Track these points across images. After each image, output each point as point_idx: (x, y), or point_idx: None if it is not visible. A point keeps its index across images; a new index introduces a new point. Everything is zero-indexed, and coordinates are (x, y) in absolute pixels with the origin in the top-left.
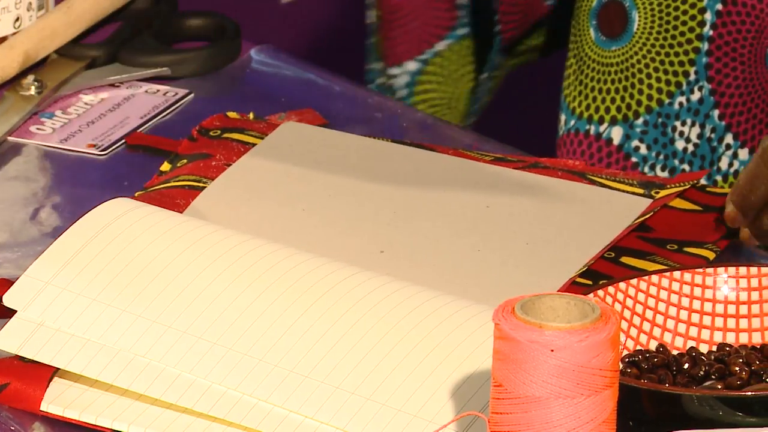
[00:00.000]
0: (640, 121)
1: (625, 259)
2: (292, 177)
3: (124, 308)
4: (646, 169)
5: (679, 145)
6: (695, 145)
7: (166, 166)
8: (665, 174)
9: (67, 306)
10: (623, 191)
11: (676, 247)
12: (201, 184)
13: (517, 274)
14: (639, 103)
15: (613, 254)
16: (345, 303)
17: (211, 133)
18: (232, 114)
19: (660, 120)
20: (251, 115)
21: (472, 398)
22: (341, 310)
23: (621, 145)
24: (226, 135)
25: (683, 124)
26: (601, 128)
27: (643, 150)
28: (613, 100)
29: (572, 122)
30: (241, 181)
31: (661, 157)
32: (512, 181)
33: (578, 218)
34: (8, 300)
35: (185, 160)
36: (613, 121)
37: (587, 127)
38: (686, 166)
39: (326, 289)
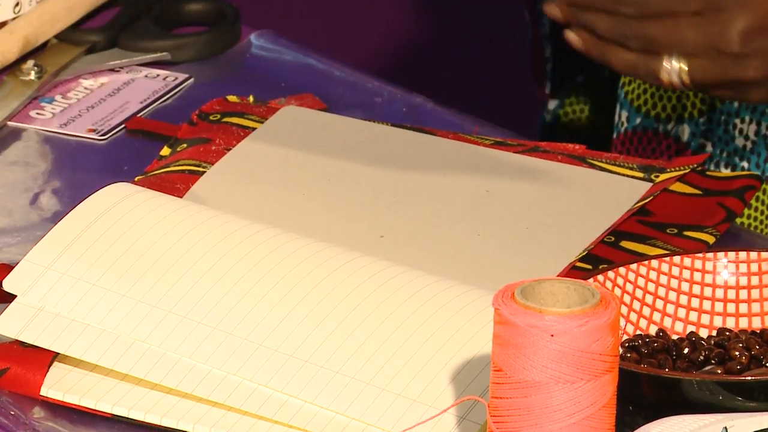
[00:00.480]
0: (704, 119)
1: (624, 244)
2: (291, 161)
3: (124, 293)
4: (712, 167)
5: (739, 142)
6: (753, 142)
7: (165, 151)
8: (728, 170)
9: (67, 291)
10: (623, 175)
11: (676, 231)
12: (201, 169)
13: (517, 258)
14: (703, 101)
15: (613, 238)
16: (345, 288)
17: (211, 118)
18: (231, 98)
19: (722, 117)
20: (251, 99)
21: (472, 383)
22: (341, 295)
23: (688, 142)
24: (225, 119)
25: (742, 121)
26: (669, 126)
27: (709, 147)
28: (678, 98)
29: (638, 120)
30: (241, 165)
31: (725, 154)
32: (512, 166)
33: (578, 203)
34: (8, 285)
35: (185, 145)
36: (680, 120)
37: (655, 125)
38: (745, 164)
39: (326, 274)
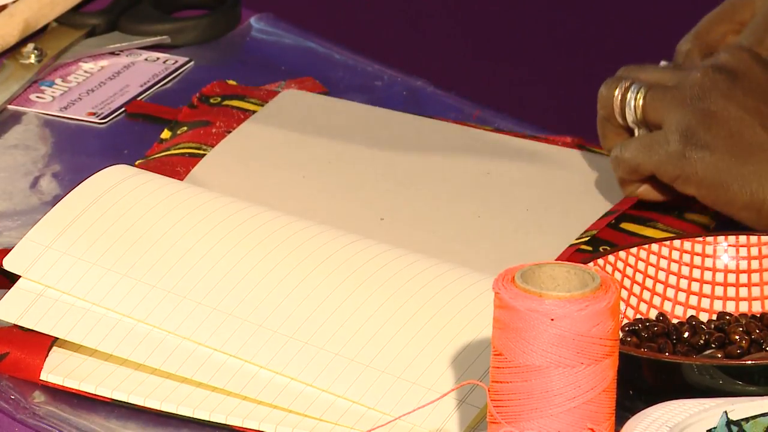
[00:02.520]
0: None
1: (625, 225)
2: (292, 144)
3: (124, 273)
4: None
5: None
6: None
7: (166, 134)
8: None
9: (68, 270)
10: None
11: (676, 213)
12: (201, 151)
13: (518, 240)
14: None
15: (613, 221)
16: (345, 270)
17: (212, 101)
18: (231, 82)
19: None
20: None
21: (471, 366)
22: (341, 277)
23: None
24: (226, 102)
25: None
26: None
27: None
28: None
29: None
30: (241, 148)
31: None
32: (512, 148)
33: (579, 185)
34: (9, 264)
35: (185, 128)
36: None
37: None
38: None
39: (326, 256)
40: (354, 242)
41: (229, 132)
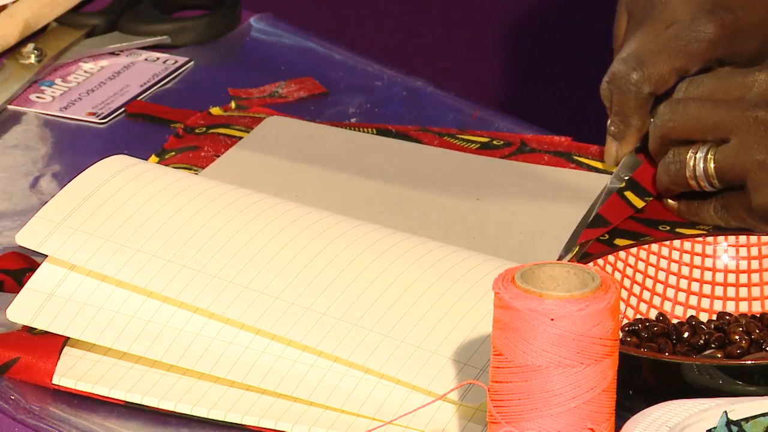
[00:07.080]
0: None
1: (618, 241)
2: (281, 167)
3: (138, 248)
4: None
5: None
6: None
7: (153, 159)
8: None
9: (82, 244)
10: (610, 173)
11: (668, 228)
12: (192, 171)
13: (514, 257)
14: None
15: (607, 236)
16: (360, 252)
17: (197, 131)
18: (215, 110)
19: None
20: (233, 105)
21: (474, 358)
22: (353, 253)
23: None
24: (212, 131)
25: None
26: None
27: None
28: None
29: None
30: (232, 169)
31: None
32: (501, 172)
33: (568, 206)
34: (22, 239)
35: (173, 153)
36: None
37: None
38: None
39: (338, 233)
40: (359, 225)
41: (218, 156)
